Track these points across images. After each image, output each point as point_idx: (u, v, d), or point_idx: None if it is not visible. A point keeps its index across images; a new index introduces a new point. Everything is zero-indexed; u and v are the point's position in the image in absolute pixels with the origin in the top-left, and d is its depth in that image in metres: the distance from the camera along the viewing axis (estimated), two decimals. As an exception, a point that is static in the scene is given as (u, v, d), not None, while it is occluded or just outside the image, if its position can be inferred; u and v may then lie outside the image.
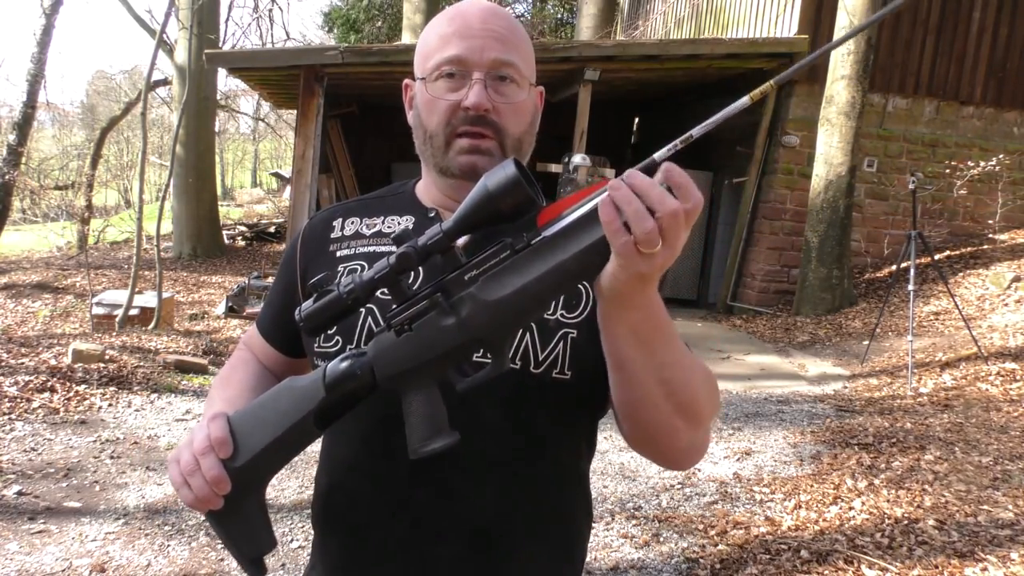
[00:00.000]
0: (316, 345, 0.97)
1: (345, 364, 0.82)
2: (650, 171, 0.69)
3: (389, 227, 1.02)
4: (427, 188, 1.04)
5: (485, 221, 0.75)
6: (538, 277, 0.73)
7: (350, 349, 0.93)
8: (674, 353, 0.82)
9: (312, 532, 1.06)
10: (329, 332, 0.95)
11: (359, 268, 0.97)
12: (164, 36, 9.46)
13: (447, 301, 0.77)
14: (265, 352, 1.11)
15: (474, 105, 0.91)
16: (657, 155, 0.71)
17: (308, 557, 1.06)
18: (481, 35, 0.93)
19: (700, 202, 0.67)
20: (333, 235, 1.04)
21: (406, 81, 1.03)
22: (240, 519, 0.85)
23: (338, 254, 1.01)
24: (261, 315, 1.14)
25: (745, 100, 0.70)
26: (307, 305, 0.81)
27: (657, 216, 0.66)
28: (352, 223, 1.04)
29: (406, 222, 1.02)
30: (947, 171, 8.10)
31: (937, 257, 6.49)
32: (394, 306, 0.80)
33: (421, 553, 0.93)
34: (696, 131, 0.72)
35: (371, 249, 1.00)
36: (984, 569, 2.60)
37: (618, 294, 0.73)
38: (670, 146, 0.71)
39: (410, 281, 0.92)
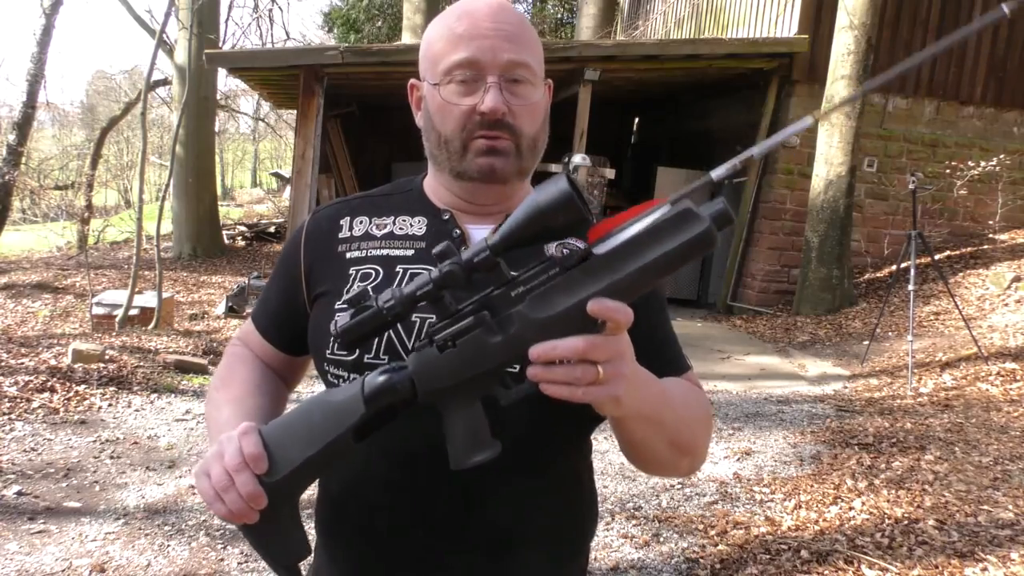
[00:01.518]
0: (329, 351, 0.94)
1: (384, 378, 0.80)
2: (708, 187, 0.72)
3: (401, 228, 0.99)
4: (437, 189, 1.02)
5: (534, 237, 0.73)
6: (590, 296, 0.72)
7: (367, 359, 0.91)
8: (677, 413, 0.87)
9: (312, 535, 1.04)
10: None
11: (373, 272, 0.95)
12: (164, 36, 9.45)
13: (493, 318, 0.76)
14: (263, 349, 1.08)
15: (490, 110, 0.90)
16: (714, 173, 0.73)
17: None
18: (492, 35, 0.91)
19: (627, 316, 0.71)
20: (341, 235, 1.01)
21: (412, 81, 1.01)
22: (274, 529, 0.83)
23: (348, 255, 0.98)
24: (257, 311, 1.10)
25: (808, 120, 0.73)
26: (344, 320, 0.79)
27: (579, 357, 0.70)
28: (361, 223, 1.01)
29: (418, 224, 0.99)
30: (947, 171, 8.10)
31: (937, 257, 6.49)
32: (436, 322, 0.79)
33: (438, 562, 0.92)
34: (756, 151, 0.74)
35: (384, 252, 0.97)
36: (984, 569, 2.60)
37: (613, 417, 0.80)
38: (728, 164, 0.72)
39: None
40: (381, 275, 0.95)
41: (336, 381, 0.95)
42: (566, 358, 0.71)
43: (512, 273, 0.77)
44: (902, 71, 0.71)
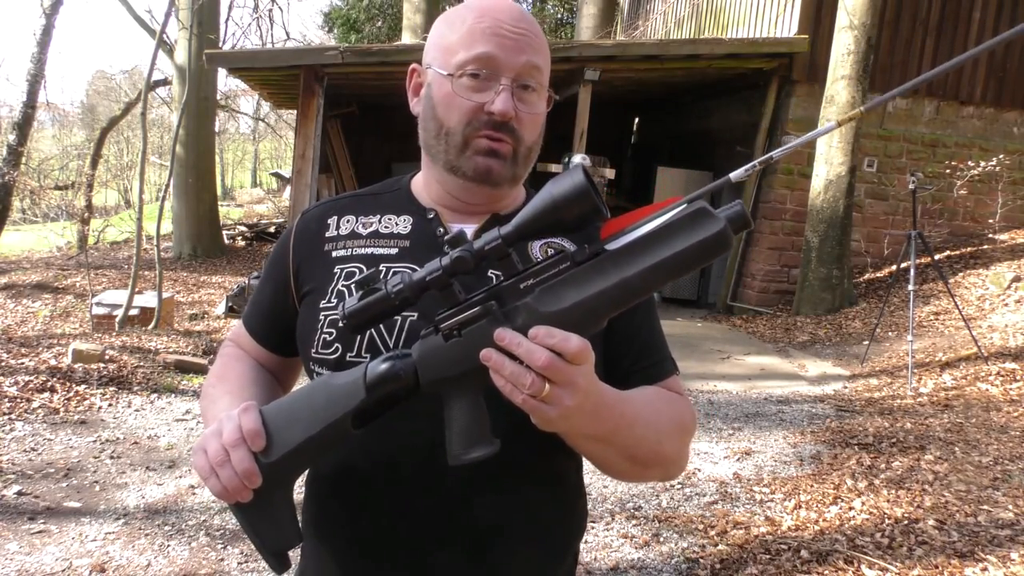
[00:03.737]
0: (314, 350, 0.94)
1: (387, 365, 0.79)
2: (722, 190, 0.72)
3: (386, 227, 1.00)
4: (427, 184, 1.01)
5: (547, 230, 0.73)
6: (599, 292, 0.71)
7: (350, 356, 0.91)
8: (635, 431, 0.86)
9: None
10: (328, 339, 0.93)
11: (357, 271, 0.96)
12: (164, 36, 9.46)
13: (501, 309, 0.75)
14: (255, 351, 1.08)
15: (501, 112, 0.90)
16: (733, 175, 0.73)
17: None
18: (513, 36, 0.91)
19: (575, 347, 0.70)
20: (328, 234, 1.01)
21: (414, 66, 1.00)
22: (267, 512, 0.83)
23: (334, 254, 0.99)
24: (248, 313, 1.10)
25: (832, 124, 0.73)
26: (351, 303, 0.79)
27: (535, 369, 0.70)
28: (347, 222, 1.02)
29: (404, 222, 0.99)
30: (947, 171, 8.10)
31: (937, 257, 6.49)
32: (442, 310, 0.78)
33: (421, 560, 0.92)
34: (777, 153, 0.74)
35: (368, 251, 0.98)
36: (984, 569, 2.60)
37: (557, 433, 0.79)
38: (747, 167, 0.72)
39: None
40: (363, 272, 0.95)
41: None
42: (523, 360, 0.71)
43: (522, 265, 0.76)
44: (942, 73, 0.71)
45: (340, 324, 0.81)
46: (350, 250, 0.98)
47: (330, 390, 0.81)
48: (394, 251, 0.97)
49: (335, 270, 0.97)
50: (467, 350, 0.75)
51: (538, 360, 0.70)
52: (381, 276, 0.79)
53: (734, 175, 0.72)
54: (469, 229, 0.98)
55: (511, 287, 0.75)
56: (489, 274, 0.90)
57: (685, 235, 0.69)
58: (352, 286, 0.81)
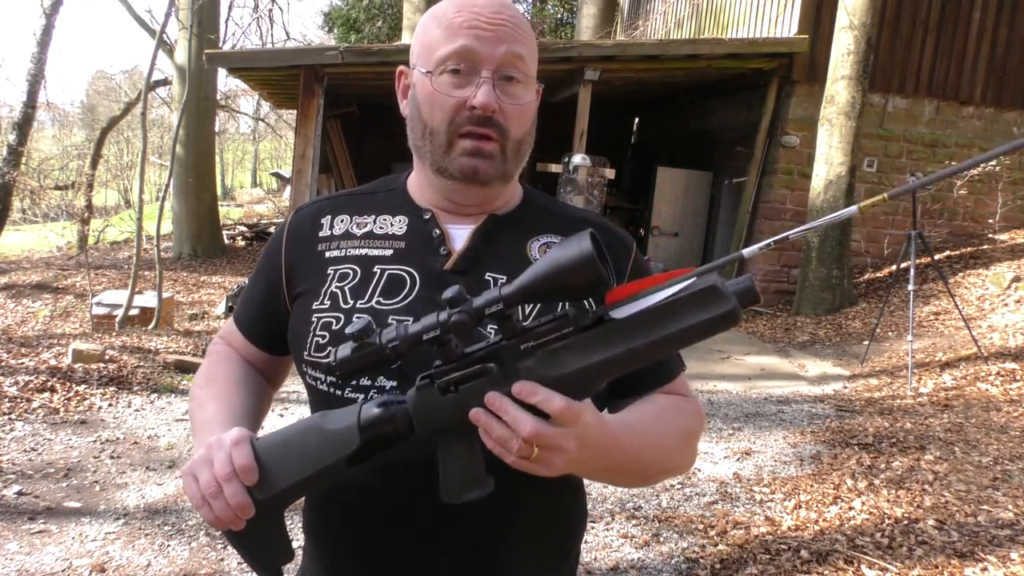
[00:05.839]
0: (307, 353, 0.93)
1: (381, 411, 0.79)
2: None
3: (381, 228, 0.98)
4: (420, 186, 1.00)
5: (550, 295, 0.73)
6: (603, 360, 0.71)
7: None
8: (643, 460, 0.87)
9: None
10: (321, 342, 0.92)
11: (351, 272, 0.95)
12: (164, 36, 9.46)
13: (500, 369, 0.75)
14: (245, 349, 1.07)
15: (482, 105, 0.88)
16: (746, 251, 0.74)
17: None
18: (490, 28, 0.89)
19: (558, 407, 0.71)
20: (322, 233, 1.00)
21: (400, 68, 0.99)
22: (259, 536, 0.83)
23: (327, 255, 0.97)
24: (239, 310, 1.08)
25: (854, 209, 0.74)
26: (344, 351, 0.78)
27: (522, 437, 0.71)
28: (342, 221, 1.00)
29: (399, 223, 0.98)
30: (947, 171, 8.10)
31: (937, 257, 6.49)
32: (439, 363, 0.78)
33: (421, 564, 0.91)
34: (792, 233, 0.74)
35: (363, 252, 0.96)
36: (984, 569, 2.60)
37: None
38: (762, 244, 0.73)
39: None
40: (359, 275, 0.94)
41: (314, 383, 0.94)
42: (535, 404, 0.71)
43: (522, 324, 0.76)
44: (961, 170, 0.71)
45: (334, 372, 0.81)
46: (344, 251, 0.97)
47: (324, 434, 0.81)
48: (389, 252, 0.96)
49: (328, 271, 0.96)
50: (463, 406, 0.75)
51: (524, 429, 0.71)
52: (375, 327, 0.79)
53: (747, 251, 0.73)
54: (465, 230, 0.97)
55: (511, 347, 0.75)
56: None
57: (694, 311, 0.69)
58: (346, 332, 0.80)
